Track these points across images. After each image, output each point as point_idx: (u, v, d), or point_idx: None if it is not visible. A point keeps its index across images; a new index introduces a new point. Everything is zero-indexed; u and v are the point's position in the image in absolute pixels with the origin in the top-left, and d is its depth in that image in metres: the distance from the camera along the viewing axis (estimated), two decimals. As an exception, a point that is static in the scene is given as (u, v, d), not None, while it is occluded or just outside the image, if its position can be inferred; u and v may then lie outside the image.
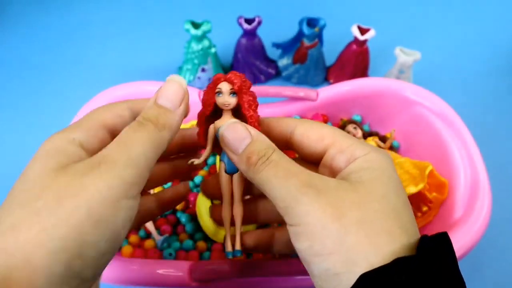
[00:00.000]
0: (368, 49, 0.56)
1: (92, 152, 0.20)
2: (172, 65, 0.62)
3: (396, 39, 0.63)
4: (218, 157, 0.45)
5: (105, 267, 0.18)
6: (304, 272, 0.34)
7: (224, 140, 0.22)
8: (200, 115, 0.24)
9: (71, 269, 0.16)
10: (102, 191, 0.17)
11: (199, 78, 0.59)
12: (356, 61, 0.57)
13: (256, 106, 0.24)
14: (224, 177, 0.25)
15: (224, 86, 0.23)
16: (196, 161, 0.24)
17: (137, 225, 0.27)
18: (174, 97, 0.21)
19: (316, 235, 0.18)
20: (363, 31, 0.54)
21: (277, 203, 0.20)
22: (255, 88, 0.47)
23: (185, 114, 0.22)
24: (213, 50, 0.57)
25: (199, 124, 0.24)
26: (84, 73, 0.62)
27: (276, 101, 0.50)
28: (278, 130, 0.24)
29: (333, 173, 0.22)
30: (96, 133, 0.21)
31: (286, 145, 0.24)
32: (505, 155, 0.52)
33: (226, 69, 0.62)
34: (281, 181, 0.19)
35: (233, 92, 0.23)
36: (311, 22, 0.54)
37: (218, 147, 0.24)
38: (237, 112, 0.24)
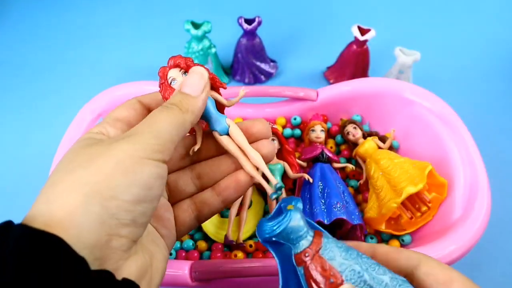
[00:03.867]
0: (368, 49, 0.56)
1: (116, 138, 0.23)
2: (172, 65, 0.62)
3: (396, 39, 0.63)
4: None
5: (146, 219, 0.20)
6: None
7: None
8: None
9: (107, 209, 0.18)
10: (128, 151, 0.19)
11: (199, 78, 0.59)
12: (356, 61, 0.57)
13: (208, 69, 0.25)
14: (225, 139, 0.25)
15: (174, 73, 0.24)
16: (196, 147, 0.26)
17: (198, 220, 0.27)
18: (196, 85, 0.23)
19: None
20: (363, 31, 0.54)
21: None
22: (255, 88, 0.47)
23: (206, 100, 0.24)
24: (213, 50, 0.57)
25: None
26: (84, 73, 0.62)
27: (276, 101, 0.50)
28: (397, 264, 0.22)
29: None
30: (115, 124, 0.23)
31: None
32: (505, 155, 0.52)
33: (226, 69, 0.62)
34: None
35: (184, 72, 0.25)
36: None
37: (205, 123, 0.26)
38: None
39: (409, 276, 0.21)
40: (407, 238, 0.41)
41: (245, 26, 0.54)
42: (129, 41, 0.67)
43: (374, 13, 0.73)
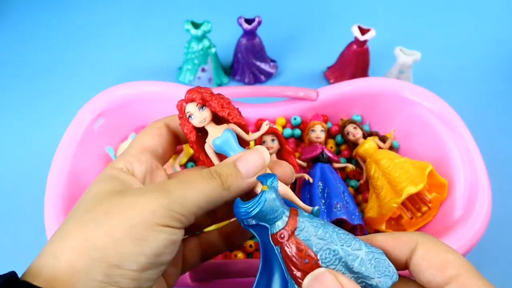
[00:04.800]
0: (368, 49, 0.56)
1: (140, 175, 0.22)
2: (172, 65, 0.62)
3: (396, 39, 0.63)
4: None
5: (151, 283, 0.19)
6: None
7: None
8: (192, 145, 0.24)
9: (109, 277, 0.17)
10: (145, 214, 0.18)
11: (199, 78, 0.59)
12: (356, 61, 0.57)
13: (228, 102, 0.24)
14: None
15: (191, 107, 0.23)
16: None
17: (202, 259, 0.27)
18: (253, 167, 0.22)
19: None
20: (363, 31, 0.54)
21: None
22: (255, 88, 0.47)
23: (253, 184, 0.22)
24: (213, 50, 0.57)
25: (197, 152, 0.25)
26: (84, 73, 0.62)
27: (276, 101, 0.50)
28: (395, 253, 0.20)
29: None
30: (139, 158, 0.23)
31: (404, 267, 0.20)
32: (505, 155, 0.52)
33: (226, 69, 0.62)
34: None
35: (201, 106, 0.23)
36: None
37: (222, 158, 0.24)
38: (216, 118, 0.24)
39: (408, 261, 0.20)
40: (407, 238, 0.41)
41: (245, 26, 0.54)
42: (129, 41, 0.67)
43: (374, 13, 0.73)
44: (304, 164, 0.45)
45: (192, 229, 0.26)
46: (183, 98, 0.24)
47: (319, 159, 0.44)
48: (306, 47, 0.67)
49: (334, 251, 0.20)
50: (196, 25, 0.54)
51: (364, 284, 0.19)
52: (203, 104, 0.23)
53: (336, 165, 0.45)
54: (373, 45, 0.57)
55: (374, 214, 0.40)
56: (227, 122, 0.24)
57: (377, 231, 0.42)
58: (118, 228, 0.18)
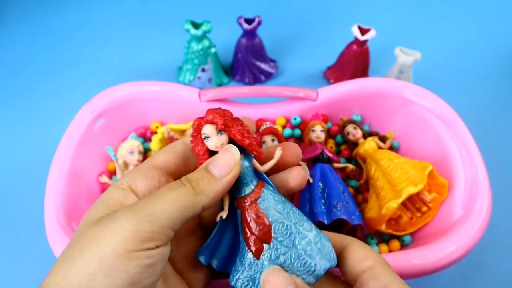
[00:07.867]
0: (368, 49, 0.56)
1: (143, 191, 0.22)
2: (172, 65, 0.62)
3: (396, 39, 0.63)
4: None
5: None
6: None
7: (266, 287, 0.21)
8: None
9: None
10: (115, 244, 0.18)
11: (199, 78, 0.59)
12: (356, 61, 0.57)
13: (248, 130, 0.23)
14: None
15: (209, 129, 0.22)
16: (224, 214, 0.23)
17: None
18: (223, 165, 0.21)
19: None
20: (363, 31, 0.54)
21: None
22: (255, 88, 0.47)
23: (230, 184, 0.22)
24: (213, 50, 0.57)
25: None
26: (84, 73, 0.62)
27: (276, 101, 0.50)
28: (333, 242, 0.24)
29: None
30: (146, 173, 0.22)
31: None
32: (505, 155, 0.52)
33: (226, 69, 0.62)
34: None
35: (220, 130, 0.23)
36: None
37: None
38: (232, 143, 0.23)
39: (339, 254, 0.24)
40: (407, 239, 0.41)
41: (245, 26, 0.54)
42: (129, 41, 0.67)
43: (374, 13, 0.73)
44: (304, 164, 0.45)
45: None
46: (201, 116, 0.23)
47: (319, 159, 0.44)
48: (306, 47, 0.67)
49: (287, 226, 0.22)
50: (196, 25, 0.54)
51: (305, 261, 0.22)
52: (223, 130, 0.23)
53: (336, 165, 0.45)
54: (373, 45, 0.57)
55: (374, 214, 0.40)
56: (240, 148, 0.23)
57: (377, 232, 0.42)
58: (90, 263, 0.18)
